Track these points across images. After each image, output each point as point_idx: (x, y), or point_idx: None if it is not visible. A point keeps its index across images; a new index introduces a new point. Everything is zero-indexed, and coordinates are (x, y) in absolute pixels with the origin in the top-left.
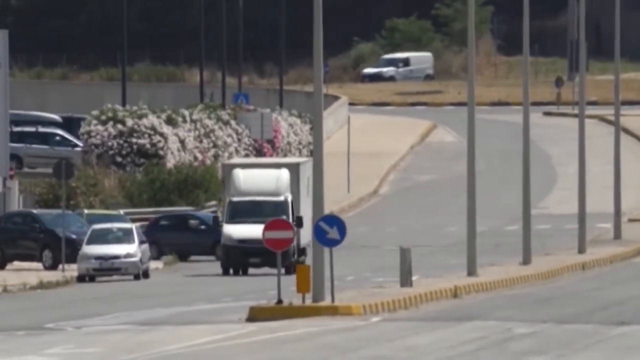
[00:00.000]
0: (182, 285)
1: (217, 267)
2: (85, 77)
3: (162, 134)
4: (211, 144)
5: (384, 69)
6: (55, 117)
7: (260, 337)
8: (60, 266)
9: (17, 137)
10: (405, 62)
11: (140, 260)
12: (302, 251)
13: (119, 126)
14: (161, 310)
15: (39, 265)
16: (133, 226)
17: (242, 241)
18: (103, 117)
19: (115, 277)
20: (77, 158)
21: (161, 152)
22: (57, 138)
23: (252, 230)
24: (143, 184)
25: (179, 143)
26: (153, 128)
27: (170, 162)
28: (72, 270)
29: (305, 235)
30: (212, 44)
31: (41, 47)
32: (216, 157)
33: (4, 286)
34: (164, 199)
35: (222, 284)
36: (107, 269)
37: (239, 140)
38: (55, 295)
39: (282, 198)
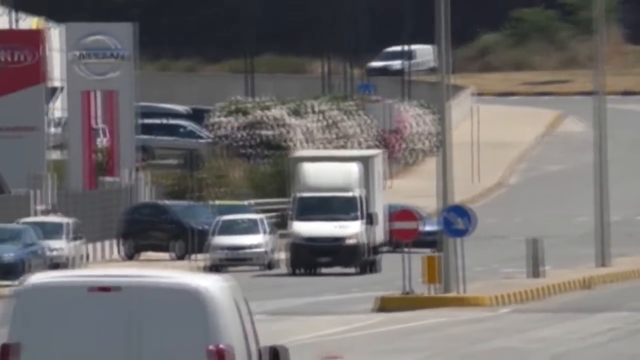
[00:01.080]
0: (311, 276)
1: None
2: (211, 68)
3: (287, 125)
4: (337, 135)
5: (392, 62)
6: (183, 109)
7: (389, 328)
8: (189, 256)
9: (146, 129)
10: (410, 55)
11: (268, 251)
12: (375, 250)
13: (245, 118)
14: (291, 300)
15: (168, 255)
16: (260, 217)
17: (311, 239)
18: (229, 109)
19: (243, 268)
20: (205, 149)
21: (287, 143)
22: (185, 130)
23: (322, 228)
24: (270, 175)
25: (305, 134)
26: (279, 119)
27: (296, 153)
28: (200, 260)
29: (380, 233)
30: (336, 34)
31: (167, 39)
32: (342, 147)
33: None
34: (289, 190)
35: (354, 275)
36: (236, 259)
37: (365, 131)
38: None
39: (352, 194)
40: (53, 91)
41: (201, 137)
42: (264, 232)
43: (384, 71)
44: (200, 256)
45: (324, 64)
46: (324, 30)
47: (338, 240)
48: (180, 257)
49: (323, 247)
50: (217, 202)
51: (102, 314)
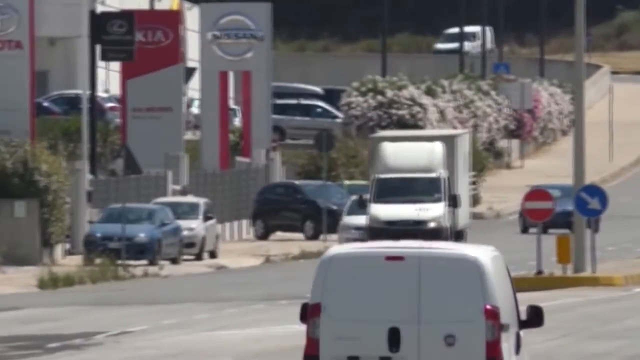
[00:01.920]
0: None
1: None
2: (346, 49)
3: (421, 105)
4: (471, 114)
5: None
6: (317, 89)
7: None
8: (322, 236)
9: (279, 109)
10: (474, 36)
11: None
12: (459, 234)
13: (379, 97)
14: None
15: (301, 235)
16: None
17: (391, 223)
18: (363, 89)
19: None
20: (338, 129)
21: (421, 123)
22: (318, 110)
23: (402, 211)
24: None
25: (439, 113)
26: (412, 99)
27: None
28: (332, 240)
29: (463, 216)
30: (471, 14)
31: (304, 20)
32: (476, 127)
33: (267, 256)
34: None
35: None
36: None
37: (499, 110)
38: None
39: (435, 174)
40: (189, 71)
41: (335, 117)
42: None
43: (451, 52)
44: (332, 236)
45: (460, 38)
46: (459, 7)
47: (419, 223)
48: (313, 237)
49: (403, 230)
50: (349, 182)
51: (395, 278)
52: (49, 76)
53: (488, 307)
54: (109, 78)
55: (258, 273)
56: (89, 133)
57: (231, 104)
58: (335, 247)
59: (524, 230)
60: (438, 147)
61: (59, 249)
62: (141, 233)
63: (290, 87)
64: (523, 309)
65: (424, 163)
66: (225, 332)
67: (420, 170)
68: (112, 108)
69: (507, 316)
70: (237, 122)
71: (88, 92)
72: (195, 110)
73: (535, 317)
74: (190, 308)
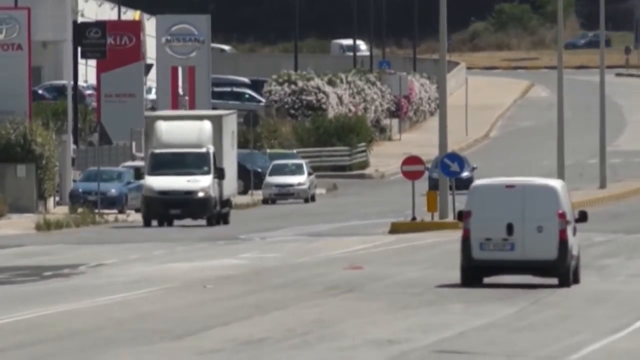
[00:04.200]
0: (340, 206)
1: (360, 192)
2: (267, 49)
3: (324, 92)
4: (362, 100)
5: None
6: (245, 80)
7: (399, 245)
8: (250, 192)
9: (217, 95)
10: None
11: (309, 188)
12: (225, 203)
13: (292, 86)
14: (324, 226)
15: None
16: (303, 162)
17: (164, 193)
18: (280, 80)
19: (290, 201)
20: (261, 111)
21: (324, 106)
22: (246, 96)
23: (174, 182)
24: (310, 130)
25: (337, 99)
26: (318, 87)
27: (330, 113)
28: (258, 195)
29: (228, 186)
30: (362, 23)
31: (234, 28)
32: (365, 109)
33: None
34: (326, 141)
35: (372, 206)
36: (284, 194)
37: (383, 96)
38: (246, 214)
39: (204, 150)
40: (148, 67)
41: (260, 102)
42: (306, 174)
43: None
44: (257, 191)
45: (353, 46)
46: (352, 18)
47: (189, 193)
48: (243, 193)
49: (174, 200)
50: (270, 150)
51: (510, 197)
52: (42, 70)
53: (560, 211)
54: (88, 72)
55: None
56: (72, 113)
57: (180, 91)
58: (478, 181)
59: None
60: (207, 125)
61: (51, 201)
62: (112, 189)
63: (225, 78)
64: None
65: (194, 139)
66: (176, 265)
67: (191, 145)
68: (90, 94)
69: (569, 216)
70: (185, 103)
71: (72, 83)
72: (152, 96)
73: (582, 217)
74: (150, 246)
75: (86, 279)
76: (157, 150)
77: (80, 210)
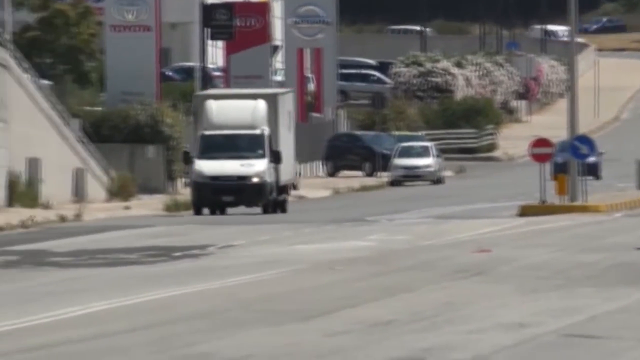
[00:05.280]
0: (468, 189)
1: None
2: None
3: (452, 74)
4: (489, 82)
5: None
6: (372, 61)
7: (528, 229)
8: (376, 174)
9: (343, 77)
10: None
11: (436, 170)
12: (282, 189)
13: (420, 68)
14: (452, 208)
15: (360, 173)
16: (430, 144)
17: (215, 178)
18: (407, 62)
19: (417, 183)
20: (388, 93)
21: (451, 88)
22: (373, 78)
23: (226, 167)
24: (438, 111)
25: (465, 81)
26: (445, 70)
27: (458, 95)
28: (384, 177)
29: (286, 172)
30: (490, 4)
31: (362, 9)
32: (494, 91)
33: (335, 189)
34: (453, 123)
35: (500, 188)
36: (411, 176)
37: (511, 78)
38: (372, 196)
39: (258, 131)
40: (274, 48)
41: (386, 83)
42: (433, 156)
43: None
44: (384, 174)
45: (481, 27)
46: (480, 1)
47: (242, 179)
48: (369, 175)
49: (226, 185)
50: (397, 132)
51: None
52: (171, 52)
53: None
54: (215, 53)
55: (328, 201)
56: None
57: (307, 73)
58: None
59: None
60: (261, 105)
61: (179, 182)
62: None
63: (352, 60)
64: None
65: (247, 120)
66: (304, 246)
67: (244, 126)
68: (217, 76)
69: None
70: (311, 87)
71: (200, 64)
72: (279, 77)
73: None
74: (278, 228)
75: (215, 259)
76: (208, 132)
77: None
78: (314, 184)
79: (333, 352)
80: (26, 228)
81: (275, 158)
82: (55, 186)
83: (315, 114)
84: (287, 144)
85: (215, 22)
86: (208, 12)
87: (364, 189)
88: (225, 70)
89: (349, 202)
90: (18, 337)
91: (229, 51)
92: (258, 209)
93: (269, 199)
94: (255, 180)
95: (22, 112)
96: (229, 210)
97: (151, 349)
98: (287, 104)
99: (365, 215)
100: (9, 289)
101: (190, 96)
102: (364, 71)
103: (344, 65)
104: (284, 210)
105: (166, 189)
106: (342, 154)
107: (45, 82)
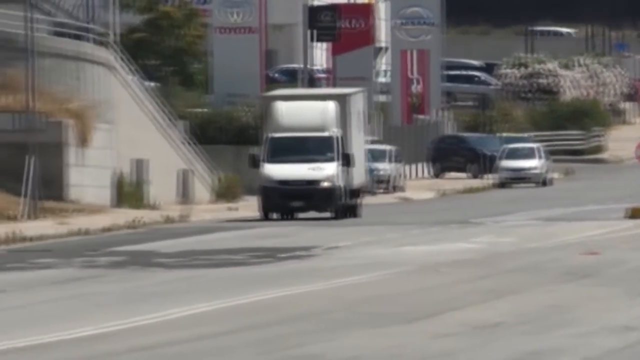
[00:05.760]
0: (575, 191)
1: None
2: (499, 32)
3: (558, 76)
4: (597, 83)
5: None
6: (477, 63)
7: (637, 231)
8: (482, 176)
9: (449, 79)
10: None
11: (543, 172)
12: (354, 193)
13: (526, 69)
14: (559, 210)
15: (465, 175)
16: (536, 146)
17: (283, 182)
18: (513, 63)
19: (523, 185)
20: (493, 94)
21: (557, 89)
22: (478, 79)
23: (295, 170)
24: (544, 113)
25: (572, 82)
26: (552, 71)
27: (565, 97)
28: (490, 179)
29: (358, 175)
30: (597, 5)
31: (467, 10)
32: (601, 93)
33: (441, 191)
34: (559, 125)
35: (608, 190)
36: (518, 177)
37: (619, 80)
38: (478, 198)
39: (328, 133)
40: (378, 50)
41: (491, 85)
42: (540, 158)
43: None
44: (490, 176)
45: (588, 28)
46: (587, 2)
47: (312, 183)
48: (474, 177)
49: (296, 190)
50: (504, 134)
51: None
52: (276, 54)
53: None
54: (320, 55)
55: (434, 203)
56: None
57: (414, 74)
58: None
59: None
60: (331, 106)
61: None
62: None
63: (457, 61)
64: None
65: (317, 122)
66: (410, 248)
67: (313, 129)
68: (321, 78)
69: None
70: (417, 88)
71: (304, 66)
72: (384, 79)
73: None
74: (383, 229)
75: (320, 261)
76: (276, 135)
77: None
78: (419, 186)
79: (438, 354)
80: (133, 229)
81: (346, 161)
82: (160, 187)
83: (420, 116)
84: (358, 146)
85: (320, 24)
86: (313, 14)
87: (470, 190)
88: (330, 71)
89: (454, 204)
90: (124, 337)
91: (334, 53)
92: (328, 214)
93: (339, 203)
94: (325, 184)
95: (128, 113)
96: (299, 215)
97: (257, 350)
98: (358, 104)
99: (470, 217)
100: (115, 289)
101: None
102: (469, 72)
103: (449, 66)
104: (355, 215)
105: None
106: (447, 155)
107: (151, 83)
